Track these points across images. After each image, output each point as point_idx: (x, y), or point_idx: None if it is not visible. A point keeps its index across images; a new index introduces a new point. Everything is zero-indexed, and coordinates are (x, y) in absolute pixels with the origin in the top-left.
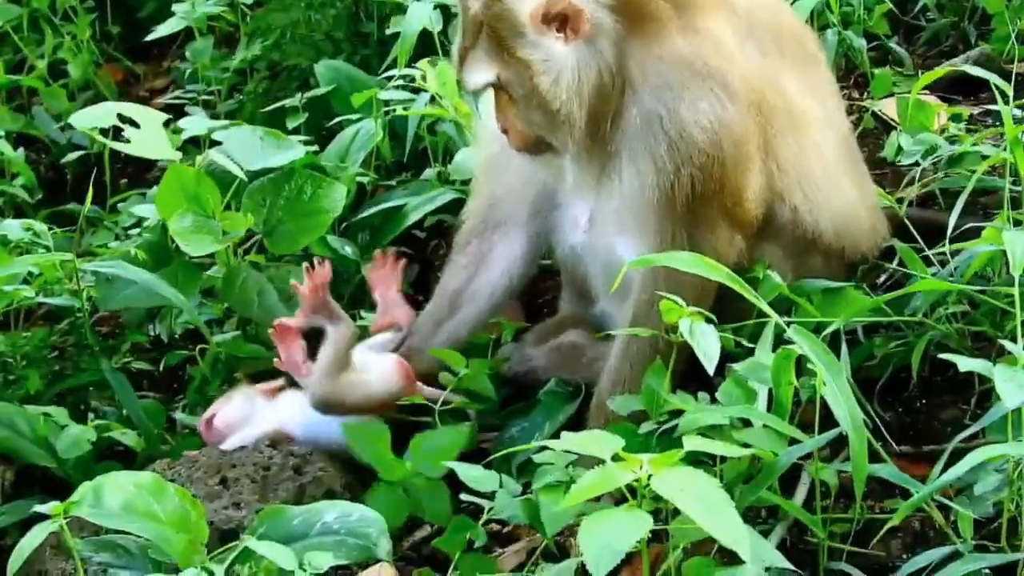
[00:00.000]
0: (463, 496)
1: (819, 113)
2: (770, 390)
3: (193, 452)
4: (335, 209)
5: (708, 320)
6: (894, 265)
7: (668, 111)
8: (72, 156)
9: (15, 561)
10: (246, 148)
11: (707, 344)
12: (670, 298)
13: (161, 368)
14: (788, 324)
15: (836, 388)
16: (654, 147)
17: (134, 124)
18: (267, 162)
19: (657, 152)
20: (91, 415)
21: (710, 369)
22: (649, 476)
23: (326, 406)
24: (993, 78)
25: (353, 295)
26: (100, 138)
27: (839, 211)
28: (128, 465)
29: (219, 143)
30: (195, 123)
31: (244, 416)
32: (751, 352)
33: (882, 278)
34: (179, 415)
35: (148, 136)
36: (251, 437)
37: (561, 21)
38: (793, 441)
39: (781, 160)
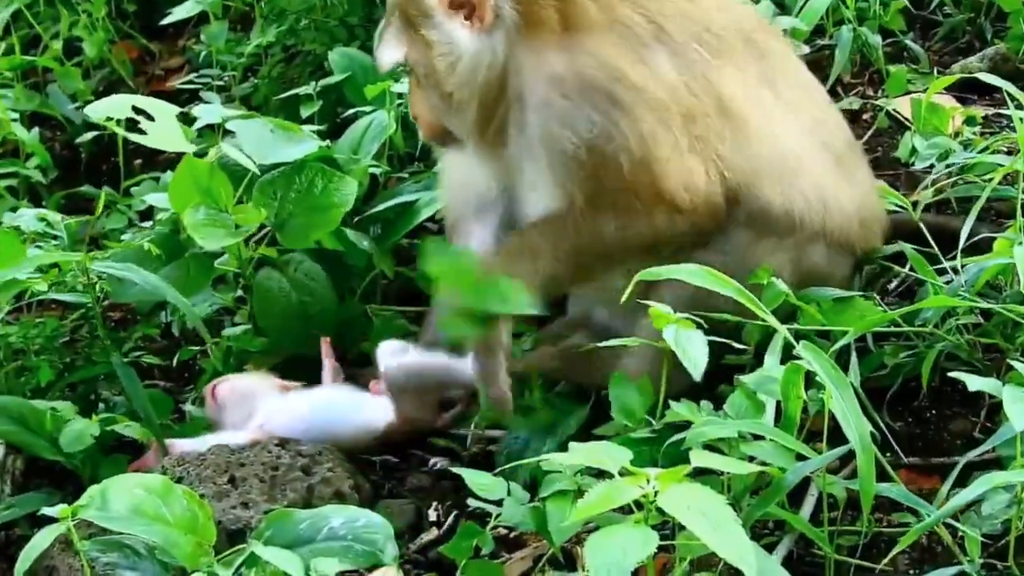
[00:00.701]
0: (471, 502)
1: (769, 104)
2: (779, 402)
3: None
4: (346, 203)
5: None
6: (905, 270)
7: (551, 128)
8: (87, 136)
9: (22, 563)
10: (259, 141)
11: (694, 351)
12: (657, 306)
13: (174, 363)
14: (796, 337)
15: (845, 405)
16: (548, 163)
17: (148, 116)
18: (280, 156)
19: (549, 168)
20: (100, 406)
21: (697, 376)
22: (656, 492)
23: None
24: (1006, 85)
25: (366, 290)
26: (115, 128)
27: (811, 198)
28: (136, 458)
29: (232, 132)
30: (209, 111)
31: (250, 395)
32: (757, 358)
33: (893, 283)
34: (188, 407)
35: (162, 128)
36: (247, 423)
37: (470, 9)
38: (801, 456)
39: (721, 154)
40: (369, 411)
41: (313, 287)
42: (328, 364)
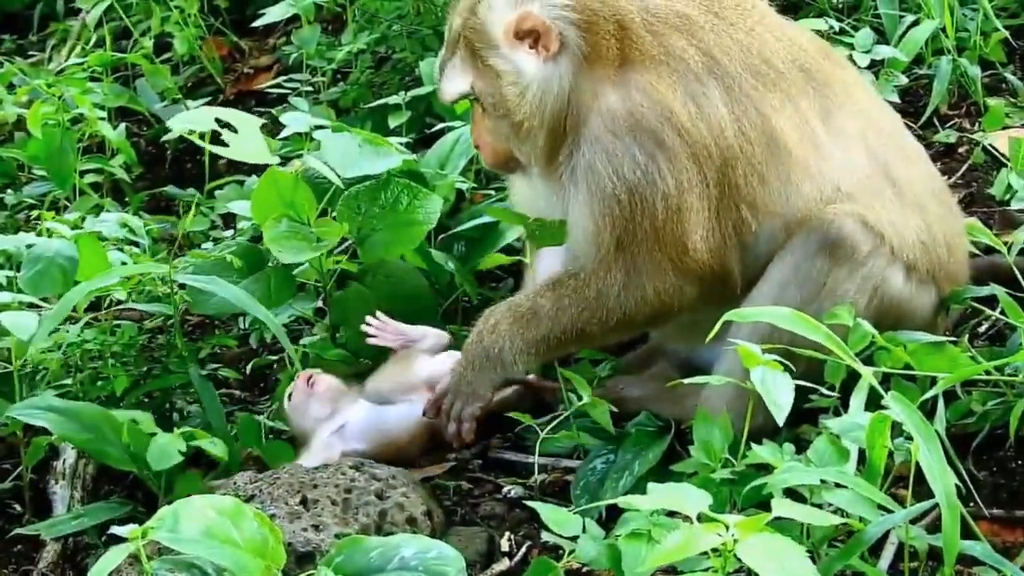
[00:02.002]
0: (544, 535)
1: (823, 136)
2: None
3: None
4: (430, 221)
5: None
6: (996, 313)
7: (596, 164)
8: (173, 135)
9: None
10: (344, 154)
11: (779, 395)
12: (743, 344)
13: (248, 369)
14: (882, 379)
15: (932, 460)
16: (589, 197)
17: (231, 128)
18: (365, 170)
19: (588, 204)
20: (175, 416)
21: (780, 421)
22: (735, 539)
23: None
24: None
25: (447, 310)
26: (199, 142)
27: (872, 224)
28: (210, 470)
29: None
30: (297, 119)
31: (337, 396)
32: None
33: (983, 327)
34: (263, 419)
35: (245, 140)
36: (323, 423)
37: (534, 38)
38: (884, 507)
39: (761, 200)
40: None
41: (397, 284)
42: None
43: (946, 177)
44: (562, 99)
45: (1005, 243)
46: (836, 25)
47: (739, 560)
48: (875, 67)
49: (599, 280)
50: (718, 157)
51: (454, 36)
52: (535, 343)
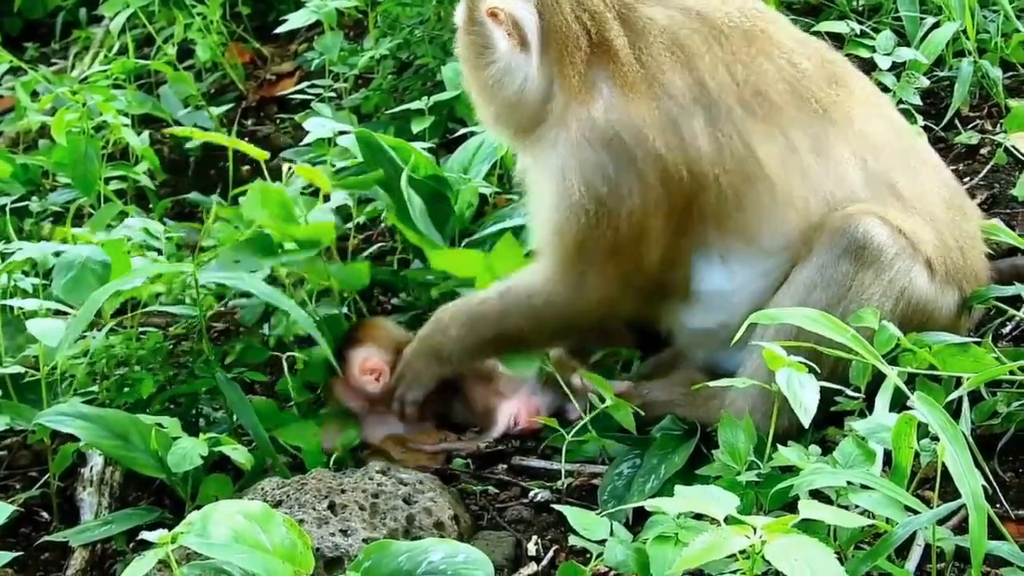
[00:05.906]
0: (571, 539)
1: (811, 164)
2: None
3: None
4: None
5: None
6: (1020, 314)
7: (567, 171)
8: (196, 142)
9: None
10: None
11: (805, 397)
12: (771, 347)
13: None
14: (907, 380)
15: (959, 461)
16: (556, 201)
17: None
18: None
19: (559, 207)
20: (202, 422)
21: (806, 423)
22: (763, 541)
23: None
24: None
25: None
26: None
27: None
28: (237, 477)
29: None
30: (320, 125)
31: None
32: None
33: (1007, 327)
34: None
35: None
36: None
37: (513, 24)
38: (911, 508)
39: (735, 228)
40: None
41: None
42: None
43: (968, 179)
44: (529, 95)
45: None
46: (857, 28)
47: (767, 562)
48: (896, 69)
49: (549, 290)
50: (689, 183)
51: None
52: (477, 347)
